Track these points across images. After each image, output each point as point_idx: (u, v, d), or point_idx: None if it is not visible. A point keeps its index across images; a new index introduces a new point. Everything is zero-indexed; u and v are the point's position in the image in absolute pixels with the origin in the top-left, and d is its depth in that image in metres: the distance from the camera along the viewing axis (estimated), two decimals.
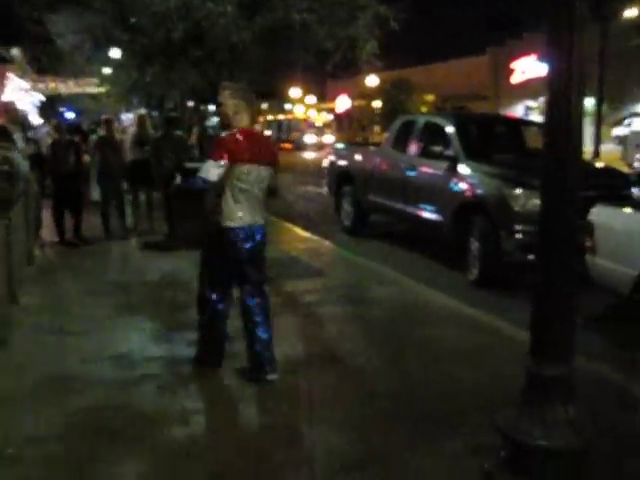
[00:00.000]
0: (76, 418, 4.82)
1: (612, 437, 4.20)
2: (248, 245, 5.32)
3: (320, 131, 58.58)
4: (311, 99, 64.35)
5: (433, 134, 10.71)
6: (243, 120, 5.25)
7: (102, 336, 6.58)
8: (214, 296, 5.53)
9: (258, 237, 5.37)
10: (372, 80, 42.96)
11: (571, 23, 3.26)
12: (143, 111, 18.03)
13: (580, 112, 3.38)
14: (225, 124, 5.32)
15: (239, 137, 5.15)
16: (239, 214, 5.25)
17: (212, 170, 5.10)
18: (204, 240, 5.64)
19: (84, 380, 5.49)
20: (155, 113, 24.46)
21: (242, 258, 5.34)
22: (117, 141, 12.09)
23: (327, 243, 11.34)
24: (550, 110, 3.44)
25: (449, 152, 9.91)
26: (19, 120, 11.31)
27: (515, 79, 37.96)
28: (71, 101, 39.24)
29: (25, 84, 27.88)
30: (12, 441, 4.43)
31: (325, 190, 14.63)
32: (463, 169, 9.49)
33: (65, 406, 5.00)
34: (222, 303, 5.55)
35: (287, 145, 55.27)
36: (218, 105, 5.34)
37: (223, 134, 5.32)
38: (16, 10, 15.16)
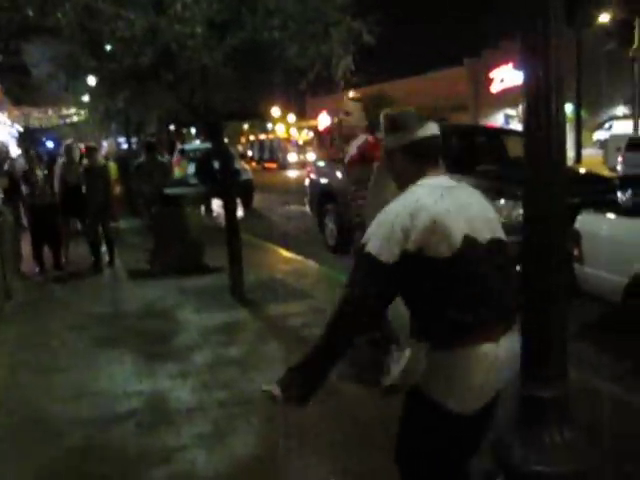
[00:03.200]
0: (55, 463, 4.63)
1: (612, 457, 4.03)
2: None
3: (302, 149, 58.56)
4: (292, 117, 64.48)
5: None
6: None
7: (82, 372, 6.40)
8: None
9: None
10: (351, 96, 43.07)
11: (546, 30, 3.14)
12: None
13: (561, 118, 3.26)
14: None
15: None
16: None
17: None
18: None
19: (63, 420, 5.30)
20: (134, 139, 24.33)
21: None
22: (99, 169, 11.87)
23: (312, 263, 11.16)
24: (528, 118, 3.33)
25: None
26: None
27: (494, 88, 38.13)
28: (51, 130, 39.06)
29: (2, 116, 27.69)
30: None
31: (308, 208, 14.48)
32: None
33: (44, 449, 4.82)
34: None
35: (271, 164, 55.22)
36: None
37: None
38: None
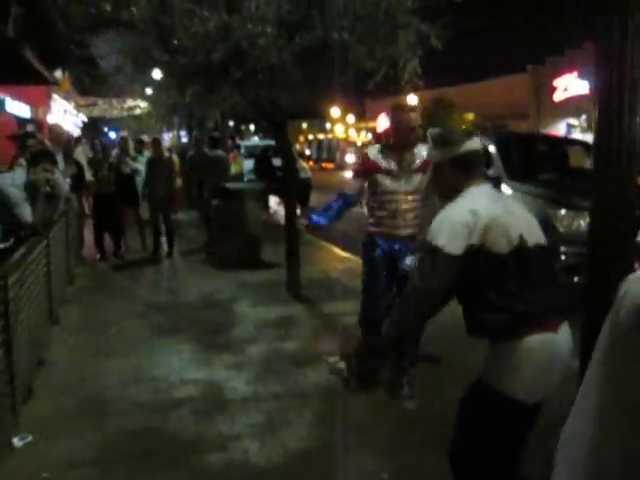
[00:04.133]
0: (113, 441, 4.78)
1: None
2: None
3: (360, 150, 58.53)
4: (351, 118, 64.44)
5: None
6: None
7: (140, 358, 6.56)
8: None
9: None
10: (412, 99, 42.87)
11: (624, 33, 3.13)
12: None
13: (633, 128, 3.24)
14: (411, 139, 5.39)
15: None
16: None
17: None
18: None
19: (122, 402, 5.46)
20: (195, 133, 24.67)
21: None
22: (164, 160, 12.13)
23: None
24: (599, 128, 3.31)
25: (491, 172, 9.75)
26: (63, 142, 11.47)
27: (557, 97, 37.55)
28: (114, 121, 39.78)
29: (69, 105, 28.33)
30: (48, 465, 4.39)
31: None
32: (505, 189, 9.31)
33: (102, 429, 4.97)
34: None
35: (329, 164, 55.28)
36: (411, 110, 5.46)
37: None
38: (59, 33, 15.40)
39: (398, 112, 5.43)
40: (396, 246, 5.50)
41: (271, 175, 17.26)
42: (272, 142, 21.16)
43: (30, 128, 10.29)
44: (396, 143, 5.43)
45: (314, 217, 5.76)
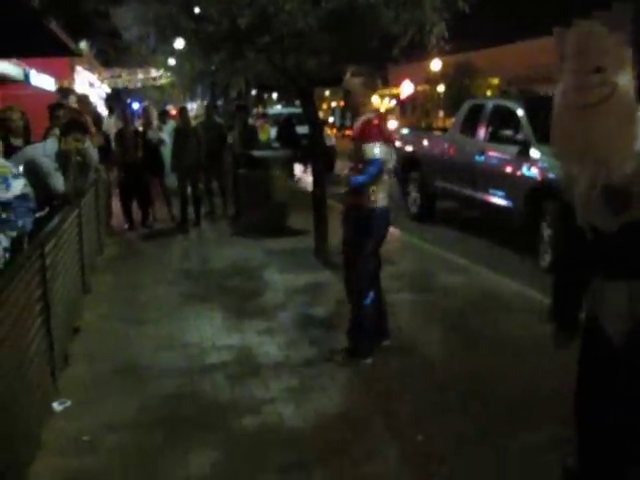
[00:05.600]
0: (149, 406, 4.86)
1: None
2: (386, 225, 5.68)
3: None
4: None
5: (502, 118, 10.47)
6: (371, 106, 5.70)
7: (172, 325, 6.64)
8: (370, 284, 5.68)
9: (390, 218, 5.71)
10: (436, 64, 42.39)
11: None
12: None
13: None
14: (354, 109, 5.66)
15: (379, 121, 5.55)
16: (381, 195, 5.50)
17: (380, 150, 5.38)
18: (347, 229, 5.73)
19: (157, 368, 5.54)
20: (220, 102, 24.65)
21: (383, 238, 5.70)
22: (191, 130, 12.14)
23: (394, 230, 11.19)
24: None
25: (519, 136, 9.68)
26: (91, 112, 11.50)
27: None
28: (136, 92, 39.83)
29: (92, 76, 28.40)
30: (88, 428, 4.48)
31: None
32: (534, 153, 9.24)
33: (138, 394, 5.06)
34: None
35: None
36: (346, 92, 5.61)
37: (364, 118, 5.51)
38: (82, 4, 15.44)
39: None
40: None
41: (295, 143, 17.21)
42: (295, 110, 21.15)
43: (73, 98, 10.32)
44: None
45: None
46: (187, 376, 5.37)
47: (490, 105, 11.22)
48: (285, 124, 19.88)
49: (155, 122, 12.58)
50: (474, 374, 5.23)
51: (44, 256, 4.66)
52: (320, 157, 9.13)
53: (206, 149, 11.94)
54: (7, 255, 4.23)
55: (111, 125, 13.67)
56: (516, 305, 6.96)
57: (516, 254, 9.56)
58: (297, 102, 16.30)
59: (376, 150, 5.37)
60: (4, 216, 4.42)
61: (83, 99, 11.19)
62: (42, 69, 19.31)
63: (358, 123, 5.59)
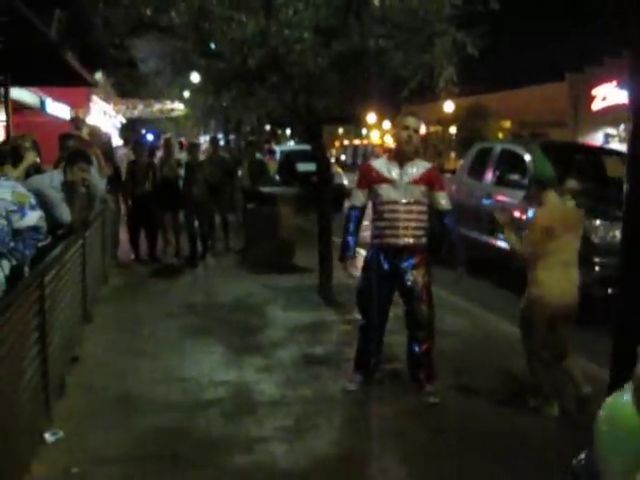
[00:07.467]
0: (142, 440, 4.84)
1: None
2: None
3: None
4: (387, 124, 64.35)
5: (510, 162, 10.52)
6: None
7: (171, 358, 6.63)
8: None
9: None
10: (448, 106, 42.68)
11: None
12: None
13: None
14: (414, 150, 5.63)
15: None
16: None
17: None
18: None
19: (152, 402, 5.52)
20: (232, 136, 24.85)
21: None
22: (199, 165, 12.18)
23: None
24: (634, 139, 3.29)
25: (526, 180, 9.71)
26: (102, 143, 11.59)
27: (595, 106, 37.17)
28: (151, 123, 40.21)
29: (108, 107, 28.74)
30: (78, 460, 4.46)
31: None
32: None
33: (132, 427, 5.04)
34: None
35: None
36: (405, 128, 5.58)
37: (432, 165, 5.92)
38: (99, 36, 15.66)
39: (399, 129, 5.68)
40: (399, 262, 5.58)
41: (293, 181, 17.24)
42: (297, 147, 21.22)
43: (85, 130, 10.45)
44: (396, 156, 5.68)
45: (351, 248, 5.92)
46: (182, 411, 5.35)
47: (498, 149, 11.28)
48: (284, 162, 19.94)
49: (175, 156, 12.60)
50: (473, 418, 5.20)
51: (43, 286, 4.68)
52: (327, 195, 9.17)
53: (209, 183, 11.93)
54: (5, 283, 4.26)
55: (125, 156, 13.76)
56: (519, 349, 6.89)
57: (518, 297, 9.46)
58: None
59: (448, 201, 5.68)
60: (12, 245, 4.46)
61: (92, 131, 11.29)
62: (58, 97, 19.57)
63: (427, 168, 5.67)
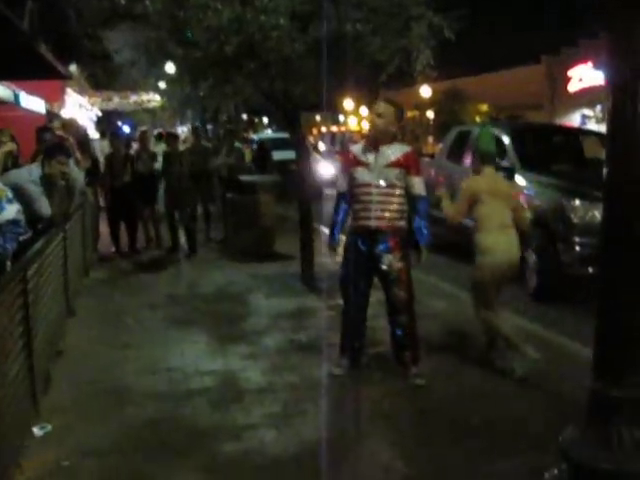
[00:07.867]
0: (130, 430, 4.84)
1: None
2: None
3: None
4: (364, 110, 64.26)
5: None
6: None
7: (156, 349, 6.63)
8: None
9: None
10: (425, 91, 42.70)
11: (631, 29, 3.11)
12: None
13: None
14: (382, 135, 5.61)
15: None
16: None
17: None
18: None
19: (139, 392, 5.52)
20: (209, 126, 24.72)
21: None
22: (177, 156, 12.08)
23: None
24: (613, 118, 3.29)
25: (505, 163, 9.75)
26: (78, 136, 11.49)
27: (572, 87, 37.33)
28: (127, 115, 39.92)
29: (83, 99, 28.45)
30: (67, 453, 4.45)
31: None
32: (519, 180, 9.31)
33: (120, 418, 5.03)
34: None
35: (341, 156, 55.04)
36: (378, 116, 5.62)
37: (411, 149, 5.92)
38: (72, 28, 15.51)
39: (374, 115, 5.78)
40: (374, 245, 5.60)
41: (268, 169, 17.17)
42: (271, 135, 21.11)
43: (57, 123, 10.36)
44: (370, 141, 5.74)
45: (336, 237, 6.03)
46: (169, 401, 5.35)
47: (477, 132, 11.30)
48: (259, 148, 19.85)
49: (152, 149, 12.51)
50: (458, 399, 5.24)
51: (26, 280, 4.65)
52: (306, 182, 9.16)
53: (190, 172, 11.85)
54: None
55: (103, 148, 13.65)
56: None
57: None
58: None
59: (423, 186, 5.69)
60: None
61: (68, 123, 11.19)
62: (32, 91, 19.34)
63: (404, 152, 5.65)
